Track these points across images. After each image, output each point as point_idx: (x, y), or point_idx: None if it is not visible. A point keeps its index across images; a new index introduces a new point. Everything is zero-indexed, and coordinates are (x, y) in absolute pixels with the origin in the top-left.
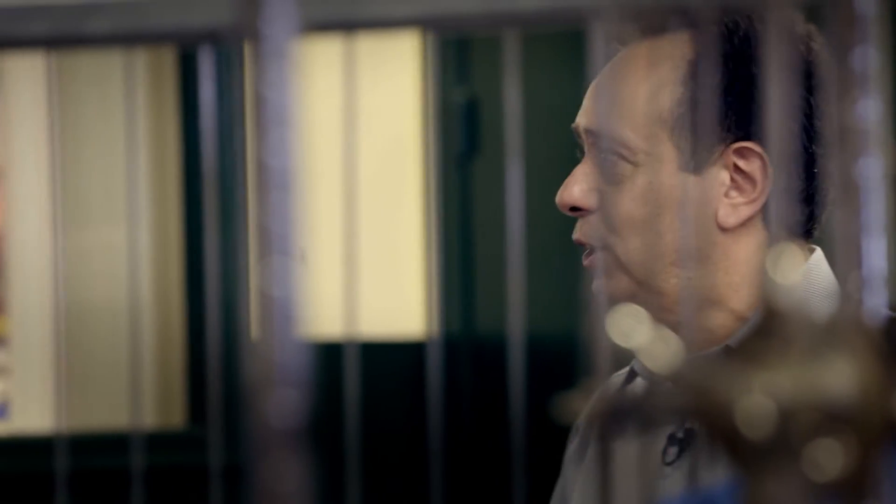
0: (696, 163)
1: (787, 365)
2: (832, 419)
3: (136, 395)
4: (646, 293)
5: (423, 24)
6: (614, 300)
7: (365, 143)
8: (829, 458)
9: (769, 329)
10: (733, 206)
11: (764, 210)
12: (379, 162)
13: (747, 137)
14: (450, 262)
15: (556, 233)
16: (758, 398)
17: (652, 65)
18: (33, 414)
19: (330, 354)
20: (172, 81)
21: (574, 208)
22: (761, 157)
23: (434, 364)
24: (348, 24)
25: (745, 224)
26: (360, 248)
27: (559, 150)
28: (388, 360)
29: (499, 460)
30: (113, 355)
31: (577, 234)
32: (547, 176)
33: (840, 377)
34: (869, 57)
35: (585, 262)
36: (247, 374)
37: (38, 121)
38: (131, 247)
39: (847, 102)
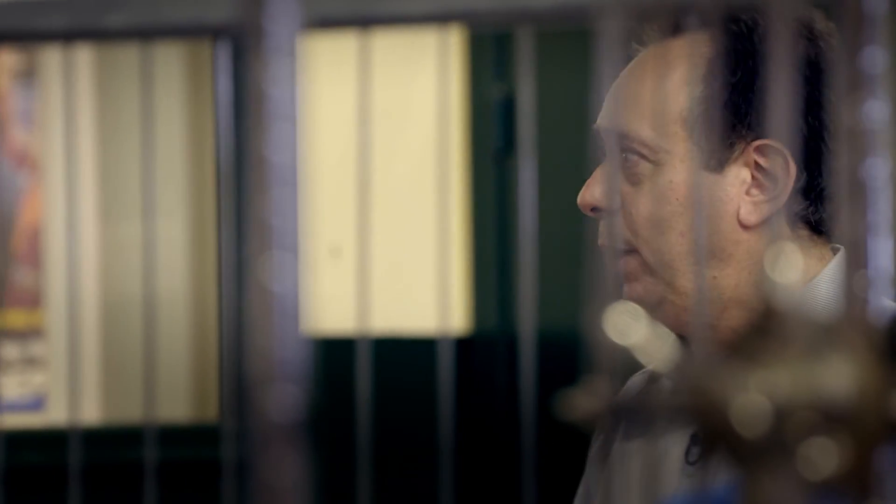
0: (716, 161)
1: (785, 364)
2: (828, 418)
3: (149, 388)
4: (672, 293)
5: (438, 20)
6: (641, 302)
7: (403, 140)
8: (823, 457)
9: (767, 328)
10: (755, 204)
11: (786, 207)
12: (417, 158)
13: (768, 135)
14: (486, 259)
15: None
16: (753, 396)
17: (671, 64)
18: (65, 407)
19: (375, 350)
20: (210, 74)
21: (595, 209)
22: (783, 155)
23: (445, 362)
24: (363, 21)
25: (767, 222)
26: (398, 245)
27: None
28: (425, 356)
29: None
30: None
31: (601, 239)
32: (581, 173)
33: (838, 377)
34: (877, 57)
35: (611, 262)
36: (247, 370)
37: (76, 113)
38: (146, 243)
39: (854, 102)
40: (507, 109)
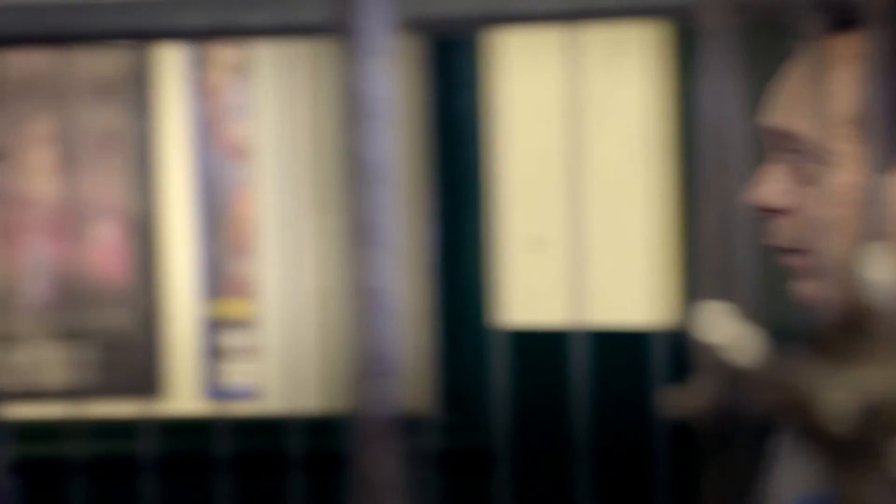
0: (887, 160)
1: (877, 362)
2: None
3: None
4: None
5: (565, 18)
6: (813, 302)
7: (607, 133)
8: None
9: (859, 326)
10: None
11: None
12: (624, 152)
13: None
14: (680, 254)
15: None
16: (843, 394)
17: (838, 62)
18: (281, 395)
19: (557, 342)
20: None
21: (762, 209)
22: None
23: (579, 356)
24: (490, 20)
25: None
26: (593, 237)
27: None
28: (616, 349)
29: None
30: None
31: (769, 239)
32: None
33: None
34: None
35: (782, 262)
36: (348, 365)
37: (286, 104)
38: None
39: None
40: None
